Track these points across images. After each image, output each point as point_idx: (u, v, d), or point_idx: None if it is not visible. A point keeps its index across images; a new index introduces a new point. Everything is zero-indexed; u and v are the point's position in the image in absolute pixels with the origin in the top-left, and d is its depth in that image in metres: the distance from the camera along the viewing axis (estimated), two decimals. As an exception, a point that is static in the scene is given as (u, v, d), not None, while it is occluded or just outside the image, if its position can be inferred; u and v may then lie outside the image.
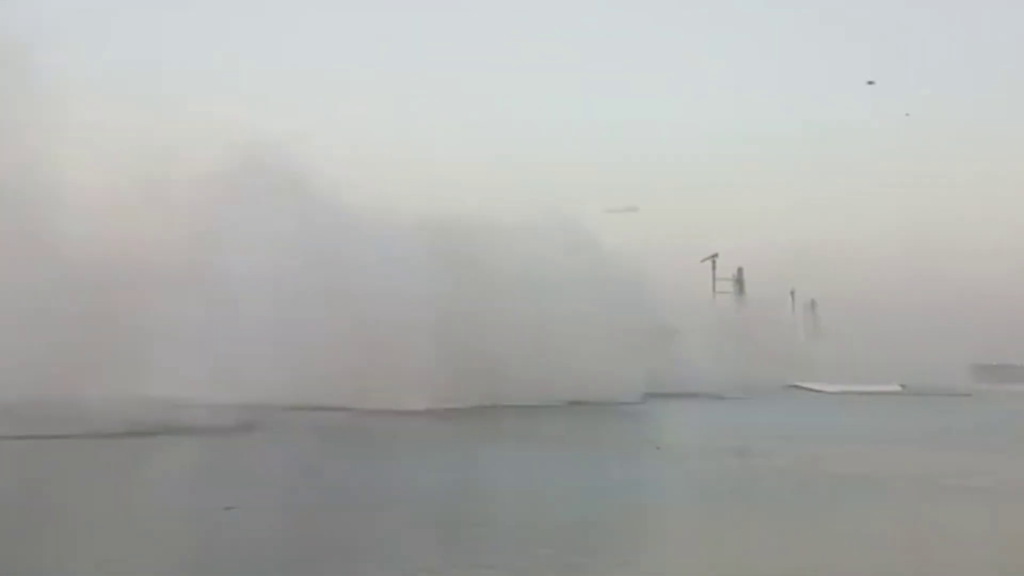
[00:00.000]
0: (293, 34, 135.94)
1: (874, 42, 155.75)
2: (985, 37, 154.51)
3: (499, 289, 43.10)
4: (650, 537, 13.25)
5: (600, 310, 49.77)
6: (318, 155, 52.60)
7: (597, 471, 20.88)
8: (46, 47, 43.14)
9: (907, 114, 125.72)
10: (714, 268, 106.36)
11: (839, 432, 35.53)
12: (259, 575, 11.04)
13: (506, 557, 11.23)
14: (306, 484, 18.35)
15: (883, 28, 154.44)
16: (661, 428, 36.56)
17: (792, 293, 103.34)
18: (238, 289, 37.39)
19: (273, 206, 41.94)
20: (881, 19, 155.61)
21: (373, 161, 76.22)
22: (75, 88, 42.20)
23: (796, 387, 70.54)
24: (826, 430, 36.66)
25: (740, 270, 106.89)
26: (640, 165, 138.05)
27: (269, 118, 72.40)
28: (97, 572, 10.95)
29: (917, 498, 17.05)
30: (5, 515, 14.75)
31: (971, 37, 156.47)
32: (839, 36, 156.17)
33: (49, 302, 34.91)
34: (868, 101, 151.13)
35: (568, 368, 44.28)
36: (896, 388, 69.70)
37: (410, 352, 37.89)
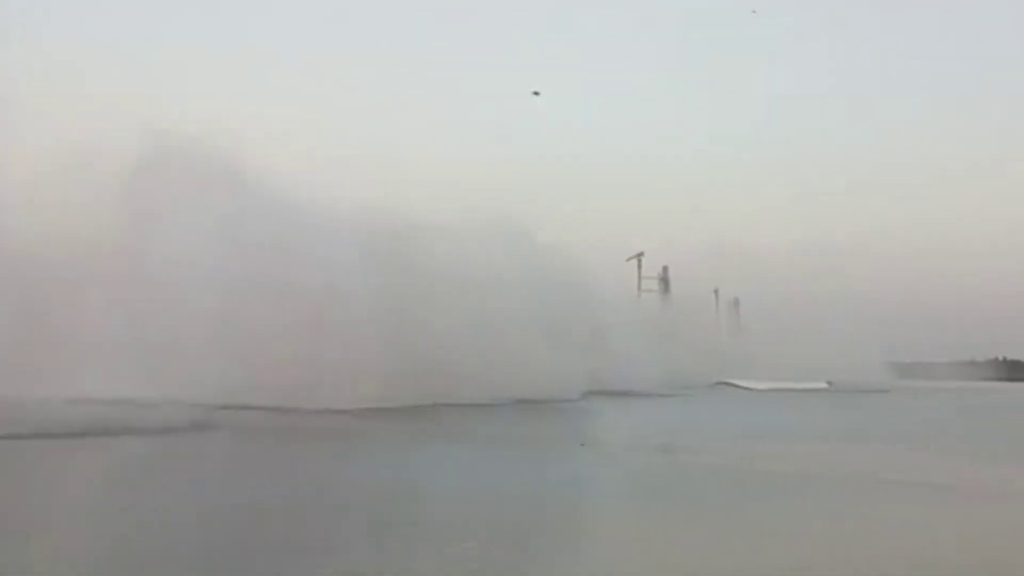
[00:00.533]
0: (236, 24, 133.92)
1: (800, 49, 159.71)
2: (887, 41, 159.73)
3: (440, 288, 42.90)
4: (569, 535, 13.09)
5: (539, 309, 50.05)
6: (257, 149, 51.92)
7: (523, 469, 20.81)
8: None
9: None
10: (639, 267, 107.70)
11: (767, 429, 36.25)
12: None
13: (423, 558, 11.08)
14: (232, 485, 17.88)
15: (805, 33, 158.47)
16: (594, 425, 36.76)
17: (716, 292, 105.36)
18: (176, 285, 36.56)
19: (208, 199, 41.16)
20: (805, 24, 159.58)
21: (313, 157, 75.47)
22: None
23: (725, 384, 71.87)
24: (755, 427, 37.33)
25: (665, 268, 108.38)
26: (572, 165, 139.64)
27: (208, 111, 71.18)
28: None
29: (842, 494, 17.17)
30: None
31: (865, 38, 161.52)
32: (775, 42, 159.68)
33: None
34: (794, 108, 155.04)
35: (512, 367, 44.35)
36: (823, 385, 71.58)
37: (354, 350, 37.42)
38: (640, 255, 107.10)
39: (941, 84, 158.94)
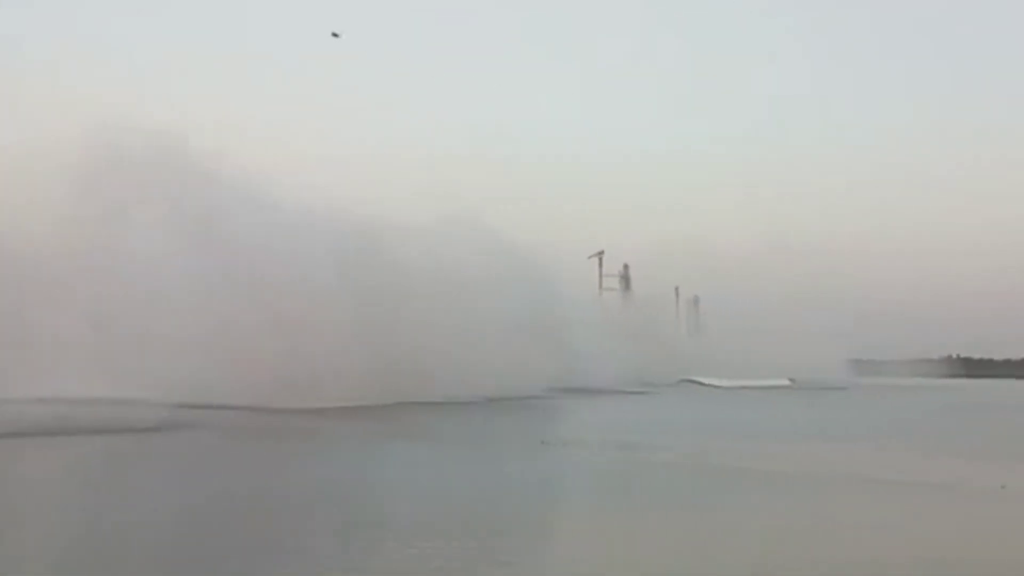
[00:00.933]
0: (220, 24, 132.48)
1: (749, 48, 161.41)
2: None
3: (412, 288, 42.91)
4: (527, 533, 13.05)
5: (507, 308, 50.29)
6: (236, 148, 51.40)
7: (486, 468, 20.88)
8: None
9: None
10: (600, 265, 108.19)
11: (732, 425, 36.63)
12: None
13: (387, 558, 11.13)
14: (200, 484, 17.81)
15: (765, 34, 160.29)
16: (560, 423, 36.96)
17: (676, 290, 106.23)
18: (146, 284, 36.22)
19: (181, 198, 40.88)
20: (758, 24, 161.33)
21: (290, 157, 74.84)
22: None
23: (690, 381, 72.56)
24: (720, 423, 37.78)
25: (626, 267, 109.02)
26: (539, 165, 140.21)
27: (188, 110, 70.35)
28: None
29: (805, 490, 17.29)
30: None
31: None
32: (745, 43, 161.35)
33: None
34: (758, 109, 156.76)
35: (482, 365, 44.50)
36: (785, 382, 72.57)
37: (328, 350, 37.31)
38: (601, 253, 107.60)
39: (914, 88, 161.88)
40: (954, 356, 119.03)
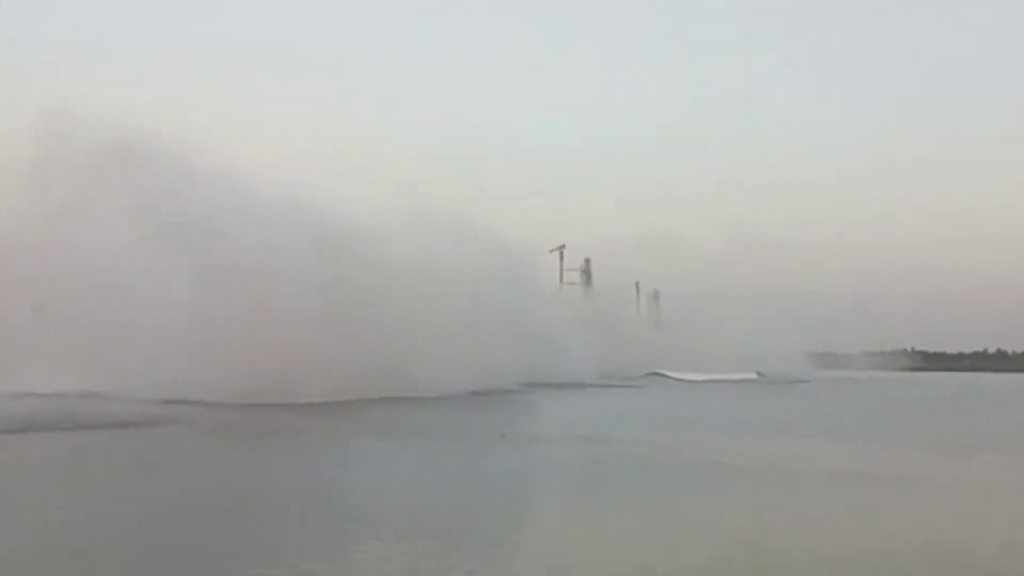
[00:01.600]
0: (194, 17, 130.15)
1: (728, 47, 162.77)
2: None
3: (386, 283, 42.62)
4: (492, 529, 13.05)
5: (478, 303, 50.25)
6: (211, 141, 50.68)
7: (454, 464, 20.77)
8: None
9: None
10: (562, 259, 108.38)
11: (706, 419, 36.84)
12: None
13: (359, 556, 11.11)
14: (176, 481, 17.54)
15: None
16: (528, 417, 36.96)
17: (636, 285, 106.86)
18: (121, 279, 35.66)
19: (154, 190, 40.30)
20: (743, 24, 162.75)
21: (266, 153, 73.91)
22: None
23: (658, 375, 72.97)
24: (693, 417, 37.91)
25: (587, 261, 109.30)
26: (504, 161, 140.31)
27: (159, 101, 69.31)
28: None
29: (774, 484, 17.31)
30: None
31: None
32: (704, 37, 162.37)
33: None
34: (718, 104, 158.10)
35: (455, 360, 44.39)
36: (753, 376, 73.30)
37: (306, 346, 36.91)
38: (562, 247, 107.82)
39: (877, 85, 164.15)
40: (909, 349, 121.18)
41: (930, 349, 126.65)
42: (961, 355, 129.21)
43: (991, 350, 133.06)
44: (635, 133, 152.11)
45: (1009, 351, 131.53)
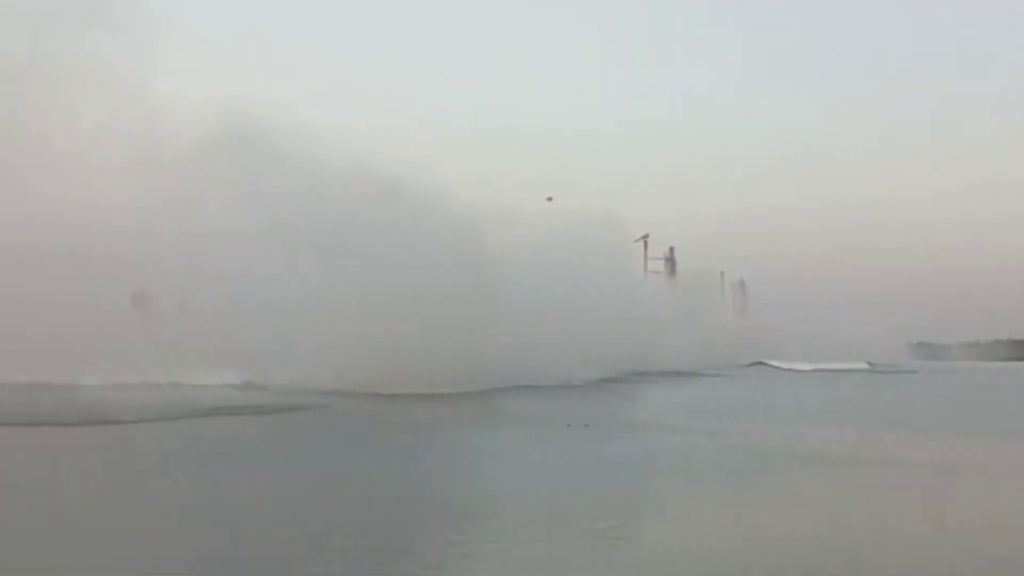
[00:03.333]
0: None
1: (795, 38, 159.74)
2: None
3: (503, 274, 42.37)
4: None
5: (584, 291, 49.94)
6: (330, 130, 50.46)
7: (581, 451, 20.25)
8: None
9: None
10: (646, 248, 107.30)
11: (818, 410, 35.67)
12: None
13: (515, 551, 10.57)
14: (296, 472, 17.25)
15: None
16: (654, 405, 36.38)
17: (722, 273, 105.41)
18: (242, 268, 35.77)
19: (259, 176, 40.43)
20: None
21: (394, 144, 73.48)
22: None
23: (763, 364, 71.70)
24: (808, 408, 36.75)
25: (672, 249, 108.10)
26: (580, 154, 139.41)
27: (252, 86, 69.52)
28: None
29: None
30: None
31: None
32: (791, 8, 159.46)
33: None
34: (804, 79, 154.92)
35: (564, 349, 44.10)
36: (864, 365, 71.57)
37: (436, 335, 36.60)
38: (646, 237, 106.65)
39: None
40: (1005, 339, 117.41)
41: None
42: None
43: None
44: (715, 118, 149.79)
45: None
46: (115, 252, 36.69)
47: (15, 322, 33.23)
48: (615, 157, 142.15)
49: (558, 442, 21.30)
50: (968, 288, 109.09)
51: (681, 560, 10.20)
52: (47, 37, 38.46)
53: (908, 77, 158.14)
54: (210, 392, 30.56)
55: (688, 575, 9.71)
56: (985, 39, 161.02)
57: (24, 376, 32.03)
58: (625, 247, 79.74)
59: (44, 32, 38.59)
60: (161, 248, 37.18)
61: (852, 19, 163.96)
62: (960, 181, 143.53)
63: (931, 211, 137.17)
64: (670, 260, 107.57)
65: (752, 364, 71.82)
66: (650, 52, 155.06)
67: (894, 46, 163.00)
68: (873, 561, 10.33)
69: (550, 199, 70.39)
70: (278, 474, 16.40)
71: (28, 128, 37.56)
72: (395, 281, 37.13)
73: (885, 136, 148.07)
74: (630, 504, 13.81)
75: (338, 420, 27.09)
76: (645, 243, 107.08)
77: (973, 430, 27.01)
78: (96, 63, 38.58)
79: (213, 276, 35.98)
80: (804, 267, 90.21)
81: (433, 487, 15.32)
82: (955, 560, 10.46)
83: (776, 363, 71.03)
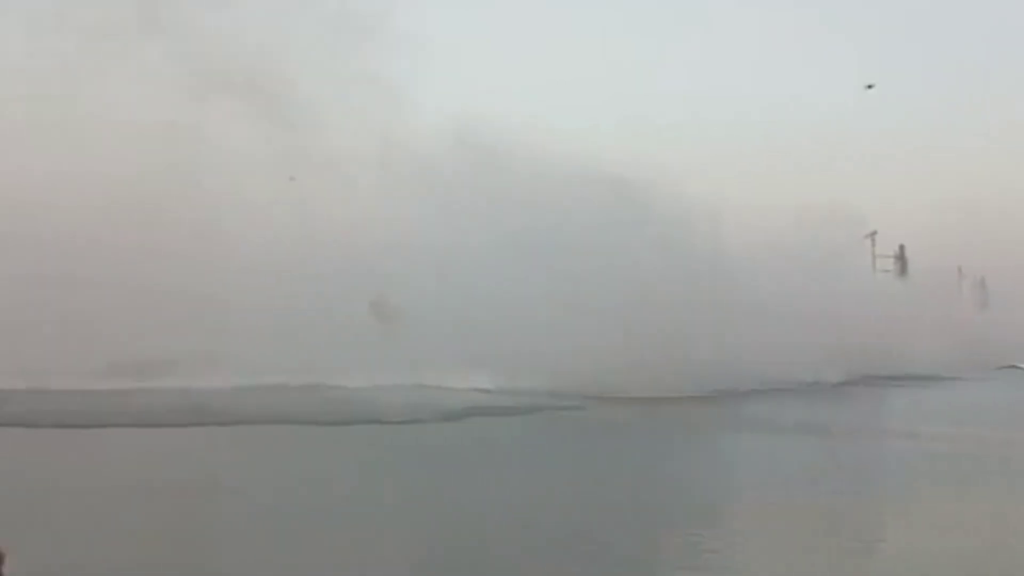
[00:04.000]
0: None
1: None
2: None
3: (729, 271, 41.94)
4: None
5: (815, 290, 48.60)
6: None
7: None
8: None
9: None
10: (873, 245, 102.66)
11: None
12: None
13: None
14: (556, 472, 17.51)
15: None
16: (919, 412, 34.73)
17: (959, 270, 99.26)
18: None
19: (492, 182, 41.84)
20: None
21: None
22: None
23: (1017, 368, 67.22)
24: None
25: (902, 247, 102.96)
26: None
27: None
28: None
29: None
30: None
31: None
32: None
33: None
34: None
35: (805, 349, 43.02)
36: None
37: (663, 337, 36.81)
38: (873, 233, 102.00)
39: None
40: None
41: None
42: None
43: None
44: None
45: None
46: (364, 260, 39.00)
47: (277, 326, 36.00)
48: (838, 150, 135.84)
49: (818, 450, 21.03)
50: None
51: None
52: (301, 54, 41.35)
53: None
54: (459, 395, 31.90)
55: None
56: None
57: (286, 378, 34.27)
58: (852, 244, 76.67)
59: (297, 49, 41.49)
60: (406, 256, 39.08)
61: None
62: None
63: None
64: (900, 258, 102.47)
65: (1004, 368, 67.16)
66: (867, 42, 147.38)
67: None
68: None
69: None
70: (539, 473, 17.06)
71: (280, 143, 40.41)
72: (627, 281, 37.56)
73: None
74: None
75: (586, 422, 27.83)
76: (872, 240, 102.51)
77: None
78: (348, 80, 41.21)
79: (456, 283, 37.54)
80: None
81: (685, 489, 15.57)
82: None
83: (1032, 367, 66.15)
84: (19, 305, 34.29)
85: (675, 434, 25.98)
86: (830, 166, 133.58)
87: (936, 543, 11.69)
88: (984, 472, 17.76)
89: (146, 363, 32.88)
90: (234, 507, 14.12)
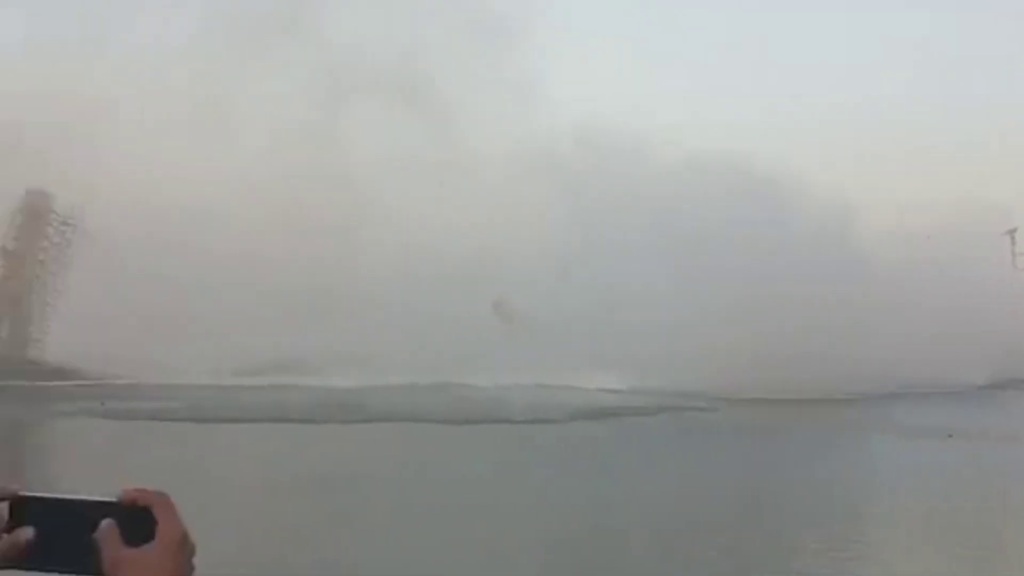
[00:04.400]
0: None
1: None
2: None
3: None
4: None
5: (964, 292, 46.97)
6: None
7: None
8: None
9: None
10: (1013, 243, 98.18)
11: None
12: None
13: None
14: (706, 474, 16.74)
15: None
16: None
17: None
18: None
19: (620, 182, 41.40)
20: None
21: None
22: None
23: None
24: None
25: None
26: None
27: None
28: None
29: None
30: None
31: None
32: None
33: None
34: None
35: (953, 352, 41.28)
36: None
37: (804, 335, 35.66)
38: (1013, 231, 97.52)
39: None
40: None
41: None
42: None
43: None
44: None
45: None
46: (492, 261, 39.08)
47: (407, 326, 36.32)
48: (979, 146, 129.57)
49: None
50: None
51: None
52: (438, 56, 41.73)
53: None
54: (588, 395, 31.43)
55: None
56: None
57: (415, 377, 34.35)
58: (992, 241, 73.24)
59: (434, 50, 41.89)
60: (528, 258, 39.00)
61: None
62: None
63: None
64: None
65: None
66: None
67: None
68: None
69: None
70: (678, 473, 16.50)
71: (417, 145, 40.85)
72: (760, 279, 36.57)
73: None
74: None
75: (720, 424, 26.98)
76: (1012, 238, 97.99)
77: None
78: (486, 81, 41.48)
79: (581, 282, 37.24)
80: None
81: (822, 494, 14.84)
82: None
83: None
84: (158, 303, 35.47)
85: (814, 437, 24.90)
86: (971, 161, 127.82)
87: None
88: None
89: (279, 361, 33.54)
90: (377, 501, 14.10)
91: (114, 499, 0.96)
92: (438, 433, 23.35)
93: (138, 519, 0.96)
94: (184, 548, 0.96)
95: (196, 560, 0.96)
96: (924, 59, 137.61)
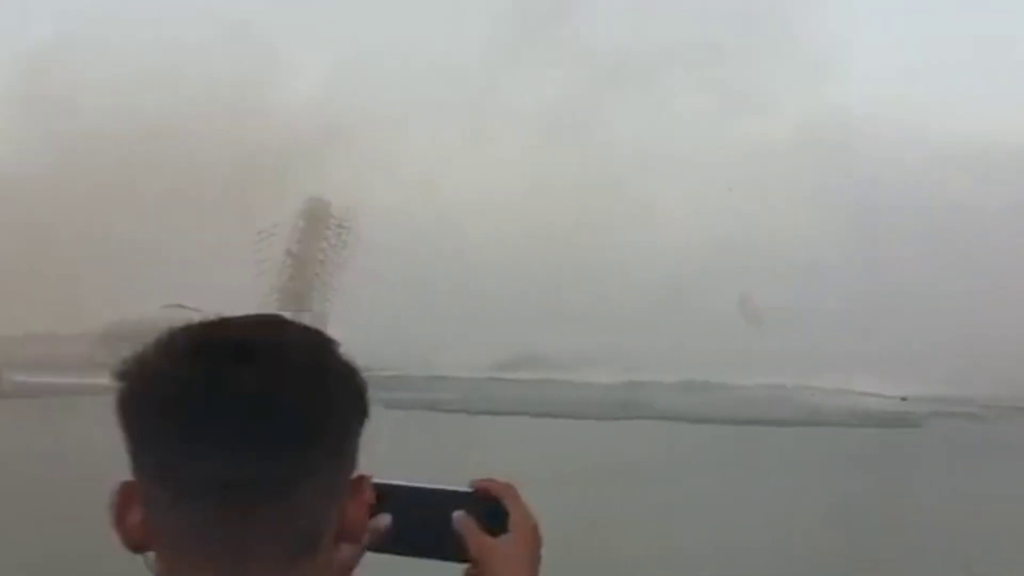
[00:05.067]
0: None
1: None
2: None
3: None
4: None
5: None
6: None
7: None
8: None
9: None
10: None
11: None
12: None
13: None
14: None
15: None
16: None
17: None
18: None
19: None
20: None
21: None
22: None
23: None
24: None
25: None
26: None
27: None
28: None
29: None
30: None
31: None
32: None
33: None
34: None
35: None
36: None
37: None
38: None
39: None
40: None
41: None
42: None
43: None
44: None
45: None
46: (738, 259, 38.66)
47: (658, 324, 36.54)
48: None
49: None
50: None
51: None
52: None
53: None
54: (837, 397, 30.40)
55: None
56: None
57: (662, 375, 34.43)
58: None
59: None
60: (761, 253, 38.28)
61: None
62: None
63: None
64: None
65: None
66: None
67: None
68: None
69: None
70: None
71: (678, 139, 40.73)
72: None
73: None
74: None
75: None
76: None
77: None
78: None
79: (831, 283, 36.13)
80: None
81: None
82: None
83: None
84: (422, 300, 37.64)
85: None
86: None
87: None
88: None
89: (539, 356, 34.67)
90: (677, 497, 14.43)
91: (468, 489, 1.00)
92: (701, 433, 23.36)
93: (490, 509, 0.99)
94: (537, 539, 0.99)
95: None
96: None
